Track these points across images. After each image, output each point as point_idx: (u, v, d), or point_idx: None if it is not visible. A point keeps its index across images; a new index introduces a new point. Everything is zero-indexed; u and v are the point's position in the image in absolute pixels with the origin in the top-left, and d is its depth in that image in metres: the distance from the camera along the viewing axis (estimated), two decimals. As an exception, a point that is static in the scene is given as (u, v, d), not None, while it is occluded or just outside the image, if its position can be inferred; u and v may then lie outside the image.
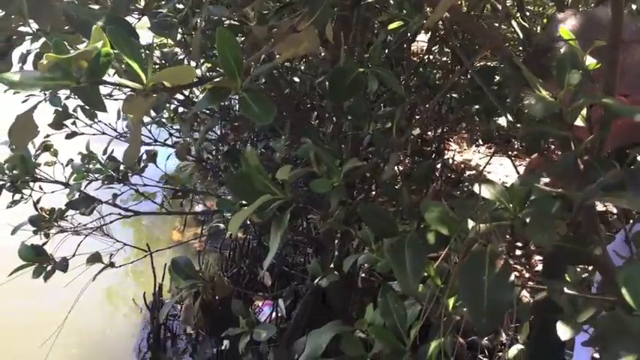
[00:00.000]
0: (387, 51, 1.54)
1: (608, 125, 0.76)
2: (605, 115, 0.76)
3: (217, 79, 0.64)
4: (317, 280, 1.49)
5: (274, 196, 0.71)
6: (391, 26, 1.10)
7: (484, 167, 3.67)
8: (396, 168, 1.21)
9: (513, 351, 0.83)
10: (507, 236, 0.75)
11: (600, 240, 0.70)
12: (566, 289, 0.85)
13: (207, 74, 2.15)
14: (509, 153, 3.58)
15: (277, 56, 0.80)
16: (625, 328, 0.56)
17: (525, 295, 2.00)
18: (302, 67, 2.24)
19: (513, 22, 0.86)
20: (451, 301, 0.79)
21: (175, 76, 0.59)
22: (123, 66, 0.65)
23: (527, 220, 0.66)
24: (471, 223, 0.71)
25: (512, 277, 0.62)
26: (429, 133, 3.32)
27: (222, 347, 2.50)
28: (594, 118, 0.80)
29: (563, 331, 0.84)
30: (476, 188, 0.73)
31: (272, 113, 0.62)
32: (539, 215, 0.64)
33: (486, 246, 0.65)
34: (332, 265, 1.56)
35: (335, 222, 0.85)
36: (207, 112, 2.23)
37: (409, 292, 0.68)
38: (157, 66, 1.88)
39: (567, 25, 1.08)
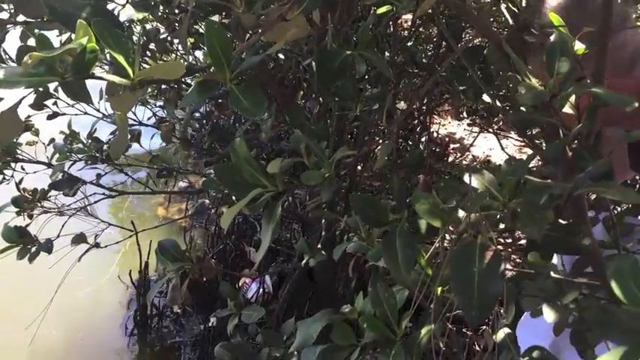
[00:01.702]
0: (373, 28, 1.52)
1: (596, 113, 0.76)
2: (594, 103, 0.76)
3: (206, 72, 0.63)
4: (304, 260, 1.50)
5: (265, 189, 0.70)
6: (380, 11, 1.08)
7: (471, 144, 3.69)
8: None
9: (501, 334, 0.84)
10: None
11: (588, 229, 0.71)
12: (552, 273, 0.86)
13: (190, 50, 2.12)
14: (494, 127, 3.60)
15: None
16: (614, 319, 0.57)
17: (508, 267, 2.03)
18: (285, 45, 2.21)
19: (502, 7, 0.86)
20: (439, 289, 0.79)
21: (163, 71, 0.57)
22: (107, 57, 0.63)
23: (518, 210, 0.66)
24: (461, 212, 0.72)
25: (501, 268, 0.63)
26: (415, 106, 3.31)
27: (210, 324, 2.51)
28: (582, 106, 0.81)
29: (548, 314, 0.86)
30: (466, 178, 0.74)
31: (262, 106, 0.61)
32: (529, 206, 0.64)
33: (476, 237, 0.66)
34: (319, 245, 1.57)
35: (325, 212, 0.85)
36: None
37: (401, 281, 0.68)
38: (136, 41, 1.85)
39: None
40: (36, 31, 0.83)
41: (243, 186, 0.70)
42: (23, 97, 0.61)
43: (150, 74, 0.57)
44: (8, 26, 1.04)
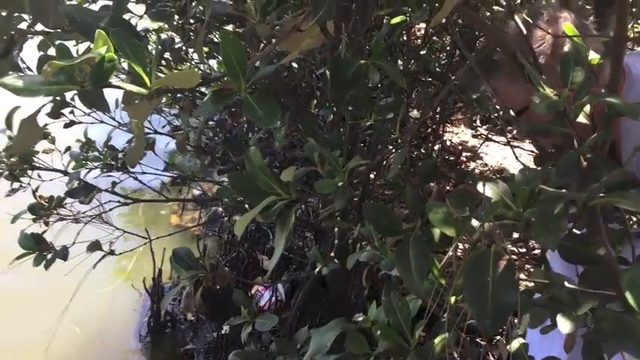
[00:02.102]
0: (386, 38, 1.53)
1: (611, 124, 0.76)
2: (609, 114, 0.76)
3: (221, 81, 0.63)
4: (317, 269, 1.50)
5: (279, 197, 0.71)
6: (394, 21, 1.09)
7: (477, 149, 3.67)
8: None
9: (515, 344, 0.84)
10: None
11: (603, 239, 0.70)
12: (566, 283, 0.86)
13: (205, 59, 2.14)
14: (507, 135, 3.58)
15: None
16: (630, 330, 0.57)
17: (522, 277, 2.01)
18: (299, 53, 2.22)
19: (517, 17, 0.86)
20: (453, 298, 0.79)
21: (179, 80, 0.58)
22: (124, 65, 0.64)
23: (532, 219, 0.66)
24: (474, 222, 0.72)
25: (515, 278, 0.62)
26: (428, 115, 3.31)
27: (223, 331, 2.52)
28: (595, 115, 0.80)
29: (564, 324, 0.85)
30: (479, 187, 0.74)
31: (276, 115, 0.62)
32: (544, 216, 0.64)
33: (490, 246, 0.66)
34: (332, 254, 1.57)
35: (338, 221, 0.86)
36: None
37: (414, 290, 0.68)
38: (152, 50, 1.87)
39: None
40: (55, 41, 0.85)
41: (257, 194, 0.71)
42: (42, 106, 0.62)
43: (166, 83, 0.57)
44: (28, 36, 1.06)
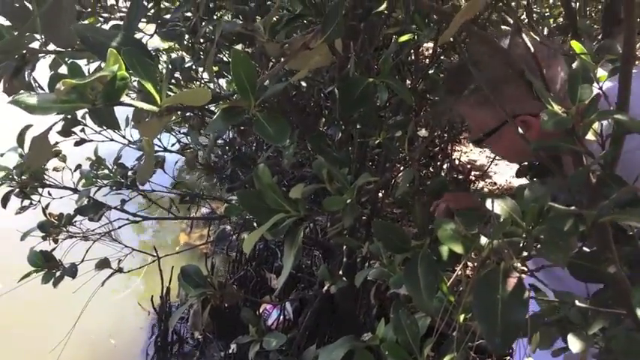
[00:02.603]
0: (395, 57, 1.54)
1: (621, 141, 0.76)
2: (617, 131, 0.76)
3: (231, 100, 0.64)
4: (325, 287, 1.50)
5: (287, 214, 0.71)
6: (402, 39, 1.10)
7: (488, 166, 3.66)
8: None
9: (524, 364, 0.83)
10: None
11: (614, 257, 0.70)
12: (577, 302, 0.85)
13: (215, 79, 2.16)
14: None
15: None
16: (640, 349, 0.57)
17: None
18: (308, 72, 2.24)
19: (524, 36, 0.86)
20: (462, 316, 0.79)
21: (190, 98, 0.59)
22: (135, 84, 0.65)
23: (541, 237, 0.66)
24: (483, 239, 0.71)
25: (525, 296, 0.62)
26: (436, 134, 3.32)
27: (230, 350, 2.51)
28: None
29: (574, 344, 0.84)
30: (488, 204, 0.73)
31: (286, 133, 0.62)
32: (554, 233, 0.64)
33: (499, 264, 0.65)
34: (340, 272, 1.57)
35: (347, 239, 0.86)
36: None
37: (423, 308, 0.68)
38: (163, 70, 1.89)
39: (482, 47, 1.09)
40: (67, 59, 0.86)
41: (265, 211, 0.71)
42: (54, 124, 0.62)
43: (176, 101, 0.58)
44: (40, 55, 1.08)
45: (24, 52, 0.78)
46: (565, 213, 0.68)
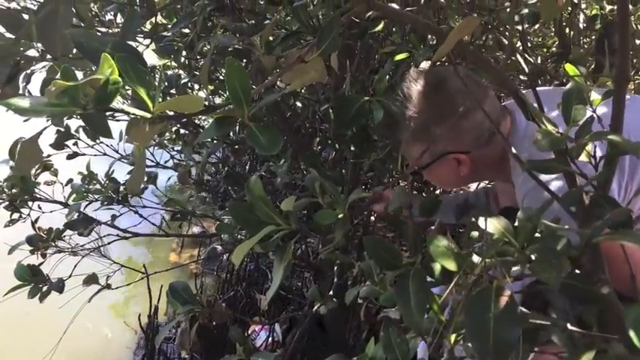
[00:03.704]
0: (390, 77, 1.55)
1: (614, 162, 0.76)
2: (611, 152, 0.75)
3: (224, 109, 0.63)
4: (315, 307, 1.48)
5: (278, 227, 0.70)
6: (397, 57, 1.10)
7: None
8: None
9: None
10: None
11: (606, 278, 0.69)
12: (569, 326, 0.84)
13: (210, 97, 2.17)
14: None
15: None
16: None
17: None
18: (304, 92, 2.25)
19: (518, 56, 0.87)
20: (453, 337, 0.77)
21: (183, 104, 0.58)
22: (128, 91, 0.65)
23: (533, 256, 0.65)
24: (475, 257, 0.71)
25: (518, 314, 0.61)
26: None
27: (217, 372, 2.46)
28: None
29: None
30: (481, 222, 0.73)
31: (279, 144, 0.62)
32: (546, 252, 0.63)
33: (492, 282, 0.64)
34: (331, 293, 1.55)
35: (338, 255, 0.85)
36: (209, 134, 2.22)
37: (413, 326, 0.67)
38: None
39: (417, 86, 1.16)
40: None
41: (256, 224, 0.70)
42: (44, 128, 0.62)
43: (169, 107, 0.58)
44: (36, 67, 1.07)
45: (18, 59, 0.78)
46: (558, 232, 0.67)
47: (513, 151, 0.86)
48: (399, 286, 0.70)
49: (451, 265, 0.66)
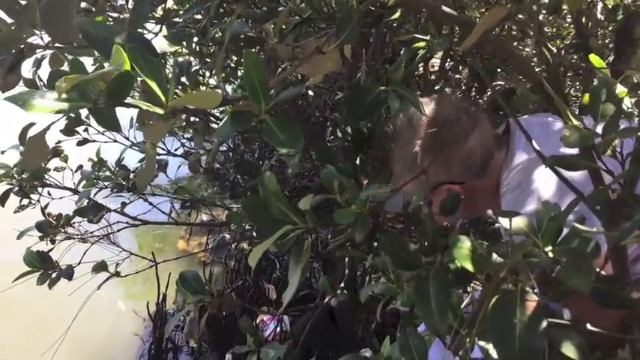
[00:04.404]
0: (405, 68, 1.51)
1: (643, 160, 0.72)
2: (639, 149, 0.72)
3: (241, 103, 0.61)
4: (326, 299, 1.46)
5: (295, 226, 0.68)
6: (415, 46, 1.07)
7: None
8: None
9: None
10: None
11: (634, 282, 0.67)
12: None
13: (221, 84, 2.14)
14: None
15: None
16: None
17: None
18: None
19: (543, 48, 0.83)
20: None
21: (199, 100, 0.56)
22: (139, 84, 0.62)
23: (562, 259, 0.62)
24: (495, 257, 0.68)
25: (544, 323, 0.58)
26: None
27: (225, 360, 2.46)
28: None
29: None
30: (503, 222, 0.70)
31: (299, 141, 0.59)
32: (575, 256, 0.60)
33: (516, 285, 0.62)
34: (342, 284, 1.53)
35: (350, 250, 0.83)
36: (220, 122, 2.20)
37: (435, 330, 0.65)
38: (169, 74, 1.86)
39: (405, 117, 1.18)
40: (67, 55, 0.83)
41: (270, 221, 0.68)
42: (52, 123, 0.59)
43: (184, 103, 0.55)
44: (45, 52, 1.05)
45: (22, 46, 0.75)
46: (587, 234, 0.64)
47: (535, 145, 0.82)
48: (417, 288, 0.67)
49: (474, 268, 0.63)
